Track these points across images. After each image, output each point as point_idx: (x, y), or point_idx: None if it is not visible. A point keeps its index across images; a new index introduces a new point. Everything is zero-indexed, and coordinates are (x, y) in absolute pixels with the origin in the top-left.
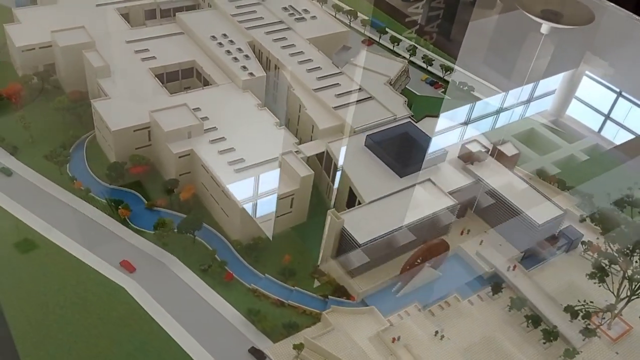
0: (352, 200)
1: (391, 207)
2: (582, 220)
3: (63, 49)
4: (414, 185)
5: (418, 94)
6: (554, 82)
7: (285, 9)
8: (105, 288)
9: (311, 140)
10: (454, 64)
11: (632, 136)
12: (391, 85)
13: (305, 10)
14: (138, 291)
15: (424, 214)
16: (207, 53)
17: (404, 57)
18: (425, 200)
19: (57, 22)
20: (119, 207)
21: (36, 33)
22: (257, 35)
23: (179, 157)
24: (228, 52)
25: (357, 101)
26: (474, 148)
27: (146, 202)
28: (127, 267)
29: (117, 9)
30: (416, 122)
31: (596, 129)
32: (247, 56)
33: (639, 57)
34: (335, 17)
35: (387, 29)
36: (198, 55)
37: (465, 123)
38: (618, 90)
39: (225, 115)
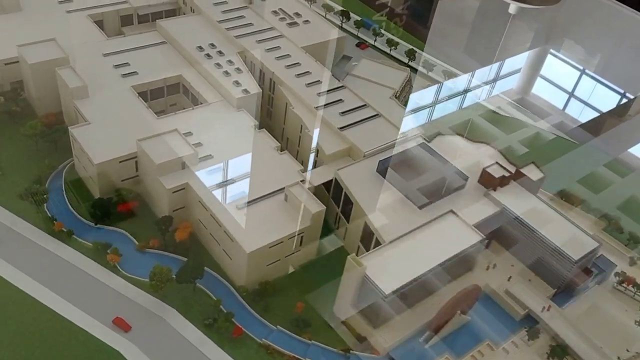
0: (367, 236)
1: (415, 246)
2: (633, 264)
3: (33, 67)
4: (436, 218)
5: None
6: (519, 60)
7: (275, 12)
8: (98, 353)
9: (315, 166)
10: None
11: (595, 113)
12: (397, 98)
13: (297, 14)
14: (135, 355)
15: (451, 252)
16: (195, 66)
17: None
18: (449, 235)
19: (24, 33)
20: (108, 251)
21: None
22: (247, 44)
23: (173, 192)
24: (218, 64)
25: (364, 120)
26: (496, 172)
27: (137, 243)
28: (122, 325)
29: (89, 16)
30: (429, 142)
31: (561, 107)
32: (238, 69)
33: (601, 35)
34: (325, 17)
35: (382, 31)
36: (184, 69)
37: (433, 104)
38: (581, 68)
39: (220, 139)
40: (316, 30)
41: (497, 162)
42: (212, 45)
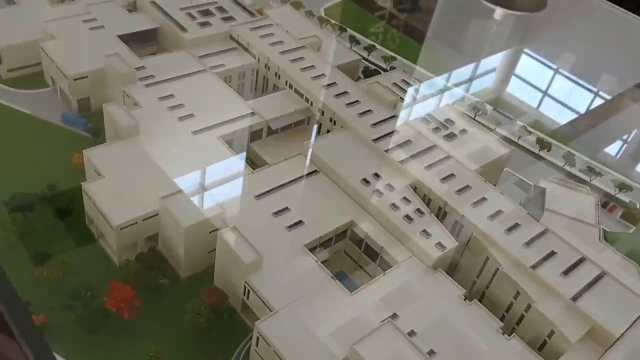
0: None
1: None
2: None
3: (188, 230)
4: None
5: None
6: (495, 60)
7: (425, 120)
8: None
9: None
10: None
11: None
12: (604, 240)
13: (449, 121)
14: None
15: None
16: (364, 206)
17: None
18: None
19: (149, 171)
20: None
21: (131, 200)
22: (414, 170)
23: None
24: (394, 206)
25: (593, 281)
26: None
27: None
28: None
29: (219, 137)
30: None
31: (535, 106)
32: (419, 211)
33: (575, 36)
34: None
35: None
36: (352, 212)
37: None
38: (555, 67)
39: (424, 316)
40: (478, 143)
41: None
42: (376, 175)
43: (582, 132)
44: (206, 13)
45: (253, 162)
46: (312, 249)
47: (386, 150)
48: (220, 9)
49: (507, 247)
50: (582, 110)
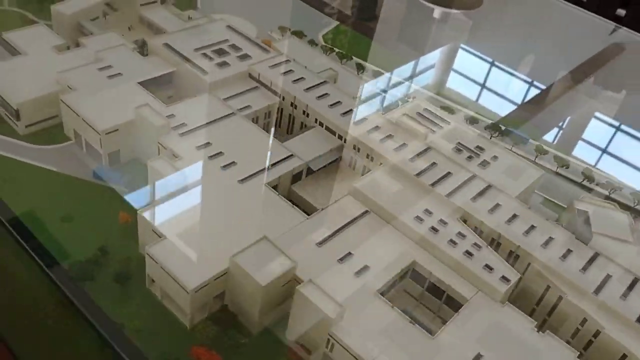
0: None
1: None
2: None
3: (266, 289)
4: None
5: None
6: (433, 57)
7: (457, 150)
8: None
9: None
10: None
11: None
12: None
13: (479, 148)
14: None
15: None
16: (422, 244)
17: None
18: None
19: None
20: None
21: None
22: (463, 203)
23: None
24: (452, 242)
25: None
26: None
27: None
28: None
29: (266, 184)
30: None
31: (474, 99)
32: (477, 245)
33: (510, 29)
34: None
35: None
36: (410, 249)
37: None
38: (490, 60)
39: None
40: (511, 168)
41: None
42: (428, 212)
43: (528, 118)
44: (221, 52)
45: (296, 205)
46: (382, 294)
47: (432, 185)
48: (234, 47)
49: (566, 274)
50: (519, 101)
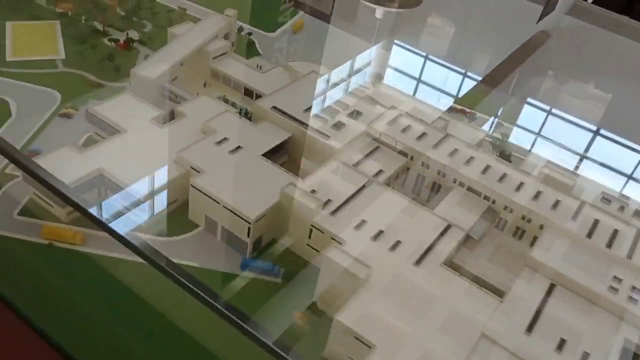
0: None
1: None
2: None
3: None
4: None
5: None
6: (369, 54)
7: (605, 200)
8: None
9: None
10: None
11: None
12: None
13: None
14: None
15: None
16: (619, 314)
17: None
18: None
19: None
20: None
21: None
22: None
23: None
24: None
25: None
26: None
27: None
28: None
29: (442, 264)
30: None
31: (411, 93)
32: None
33: (446, 23)
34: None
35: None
36: (611, 322)
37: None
38: (425, 54)
39: None
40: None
41: None
42: (617, 278)
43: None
44: (330, 110)
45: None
46: None
47: (608, 246)
48: (340, 103)
49: None
50: (455, 93)
